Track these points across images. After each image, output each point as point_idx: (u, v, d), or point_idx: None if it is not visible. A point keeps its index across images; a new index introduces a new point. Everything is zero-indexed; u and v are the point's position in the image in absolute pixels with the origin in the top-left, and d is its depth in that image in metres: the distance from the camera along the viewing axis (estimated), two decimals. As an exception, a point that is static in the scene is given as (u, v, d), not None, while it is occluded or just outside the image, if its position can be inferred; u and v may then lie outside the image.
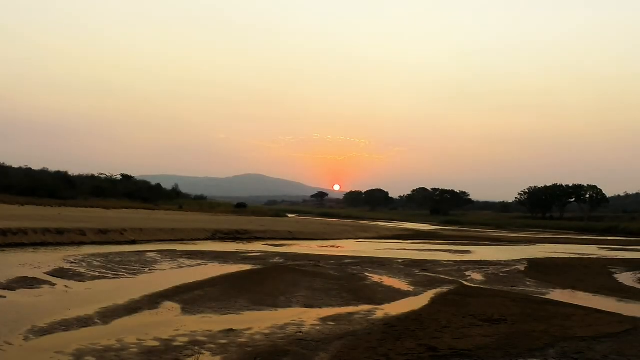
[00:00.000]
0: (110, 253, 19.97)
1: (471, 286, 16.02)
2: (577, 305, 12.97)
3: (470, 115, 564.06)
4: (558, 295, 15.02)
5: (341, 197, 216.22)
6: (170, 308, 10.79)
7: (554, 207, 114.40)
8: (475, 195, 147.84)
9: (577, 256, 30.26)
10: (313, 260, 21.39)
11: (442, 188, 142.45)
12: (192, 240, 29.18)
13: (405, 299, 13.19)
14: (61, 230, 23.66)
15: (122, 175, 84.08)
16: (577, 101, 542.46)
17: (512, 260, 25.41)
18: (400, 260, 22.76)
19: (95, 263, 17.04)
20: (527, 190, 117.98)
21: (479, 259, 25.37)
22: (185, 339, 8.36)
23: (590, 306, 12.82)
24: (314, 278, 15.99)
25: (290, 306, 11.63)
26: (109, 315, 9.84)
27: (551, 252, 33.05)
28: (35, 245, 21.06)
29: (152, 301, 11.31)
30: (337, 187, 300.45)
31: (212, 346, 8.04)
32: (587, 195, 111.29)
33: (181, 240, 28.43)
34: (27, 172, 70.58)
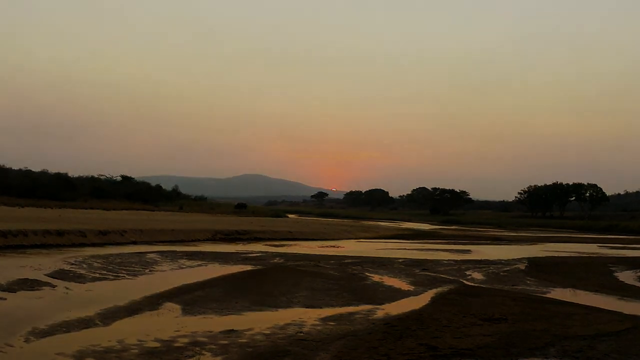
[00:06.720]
0: (111, 254, 19.95)
1: (472, 285, 16.01)
2: (577, 303, 12.97)
3: (471, 115, 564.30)
4: (559, 294, 15.01)
5: (340, 197, 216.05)
6: (171, 309, 10.78)
7: (554, 205, 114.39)
8: (475, 195, 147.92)
9: (577, 255, 30.26)
10: (313, 260, 21.37)
11: (442, 187, 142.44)
12: (192, 241, 29.15)
13: (405, 299, 13.18)
14: (61, 232, 23.63)
15: (122, 176, 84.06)
16: (577, 101, 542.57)
17: (513, 259, 25.40)
18: (400, 260, 22.75)
19: (95, 264, 17.02)
20: (527, 189, 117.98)
21: (479, 258, 25.36)
22: (186, 340, 8.36)
23: (591, 305, 12.82)
24: (315, 278, 15.98)
25: (290, 306, 11.63)
26: (109, 316, 9.83)
27: (551, 250, 33.05)
28: (36, 247, 21.03)
29: (153, 302, 11.30)
30: (333, 189, 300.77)
31: (213, 347, 8.04)
32: (587, 194, 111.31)
33: (181, 241, 28.40)
34: (27, 174, 70.54)
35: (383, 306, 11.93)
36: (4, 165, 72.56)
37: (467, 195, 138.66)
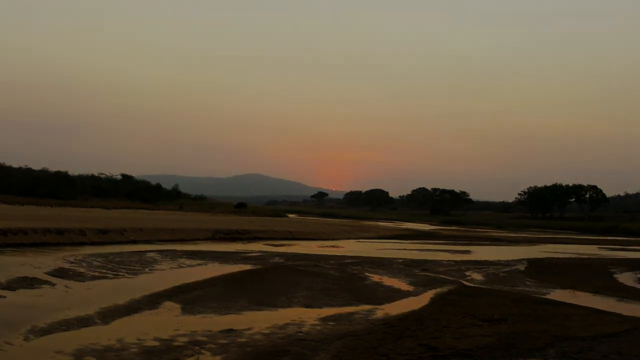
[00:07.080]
0: (111, 253, 19.95)
1: (471, 286, 16.02)
2: (577, 305, 12.97)
3: (471, 116, 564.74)
4: (558, 295, 15.02)
5: (340, 197, 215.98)
6: (171, 308, 10.79)
7: (554, 207, 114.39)
8: (475, 195, 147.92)
9: (577, 256, 30.26)
10: (313, 260, 21.38)
11: (442, 188, 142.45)
12: (192, 240, 29.15)
13: (405, 299, 13.19)
14: (61, 230, 23.63)
15: (122, 175, 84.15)
16: (577, 102, 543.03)
17: (512, 260, 25.41)
18: (400, 260, 22.76)
19: (95, 263, 17.03)
20: (527, 190, 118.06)
21: (479, 259, 25.37)
22: (186, 339, 8.36)
23: (590, 306, 12.83)
24: (314, 278, 15.98)
25: (290, 306, 11.64)
26: (109, 315, 9.84)
27: (551, 252, 33.05)
28: (36, 245, 21.03)
29: (152, 301, 11.31)
30: (333, 189, 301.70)
31: (213, 346, 8.04)
32: (587, 195, 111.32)
33: (181, 240, 28.41)
34: (27, 172, 70.57)
35: (382, 306, 11.94)
36: (4, 164, 72.75)
37: (467, 195, 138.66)
